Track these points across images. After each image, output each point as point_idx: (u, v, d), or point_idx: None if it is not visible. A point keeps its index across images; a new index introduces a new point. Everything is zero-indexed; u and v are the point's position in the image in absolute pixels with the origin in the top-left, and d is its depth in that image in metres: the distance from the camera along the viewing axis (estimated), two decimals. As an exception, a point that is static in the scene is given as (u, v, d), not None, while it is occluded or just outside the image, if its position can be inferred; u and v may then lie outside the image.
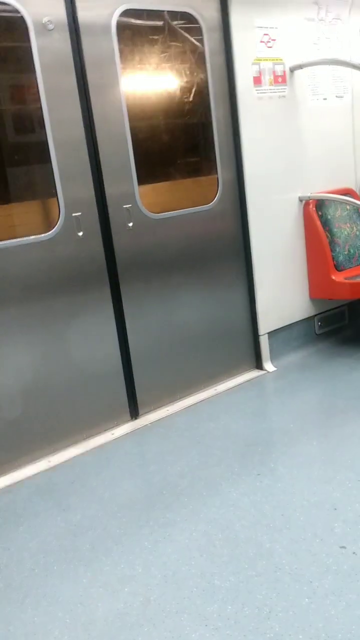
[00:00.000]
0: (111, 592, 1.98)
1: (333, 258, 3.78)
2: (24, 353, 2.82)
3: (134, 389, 3.23)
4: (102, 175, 2.93)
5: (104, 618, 1.88)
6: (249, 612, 1.83)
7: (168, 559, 2.11)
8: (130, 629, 1.82)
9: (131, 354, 3.18)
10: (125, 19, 2.91)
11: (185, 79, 3.22)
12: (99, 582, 2.04)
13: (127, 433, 3.12)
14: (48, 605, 1.96)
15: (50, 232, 2.83)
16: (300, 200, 3.76)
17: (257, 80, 3.42)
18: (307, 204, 3.77)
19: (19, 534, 2.36)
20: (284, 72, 3.54)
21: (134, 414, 3.25)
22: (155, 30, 3.06)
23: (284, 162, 3.64)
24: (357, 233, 3.94)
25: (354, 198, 3.79)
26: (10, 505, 2.57)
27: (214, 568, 2.04)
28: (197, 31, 3.19)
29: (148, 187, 3.16)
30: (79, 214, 2.90)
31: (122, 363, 3.16)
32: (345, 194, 3.78)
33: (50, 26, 2.66)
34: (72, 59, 2.76)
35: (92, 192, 2.92)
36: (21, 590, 2.05)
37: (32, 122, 2.77)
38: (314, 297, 3.93)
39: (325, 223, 3.79)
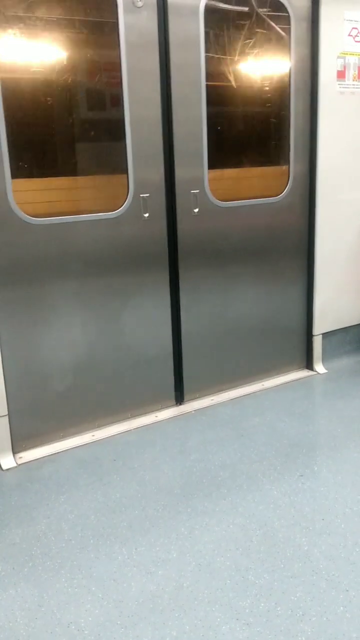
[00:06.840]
0: (145, 573, 1.99)
1: None
2: (79, 328, 2.84)
3: (182, 375, 3.23)
4: (173, 158, 2.91)
5: (135, 598, 1.89)
6: (282, 612, 1.81)
7: (204, 547, 2.11)
8: (161, 612, 1.82)
9: (182, 340, 3.17)
10: (213, 2, 2.87)
11: (267, 67, 3.15)
12: (133, 561, 2.05)
13: (171, 417, 3.13)
14: (82, 578, 1.98)
15: (117, 210, 2.83)
16: (371, 201, 3.66)
17: (341, 75, 3.32)
18: (377, 206, 3.66)
19: (60, 504, 2.40)
20: (370, 68, 3.43)
21: (179, 399, 3.25)
22: (242, 15, 3.01)
23: (360, 161, 3.55)
24: None
25: None
26: (53, 475, 2.62)
27: (250, 563, 2.02)
28: (284, 20, 3.12)
29: (217, 173, 3.12)
30: (147, 195, 2.89)
31: (173, 348, 3.16)
32: None
33: (140, 3, 2.65)
34: (157, 38, 2.74)
35: (162, 174, 2.91)
36: (57, 560, 2.08)
37: (110, 99, 2.77)
38: (373, 303, 3.83)
39: (395, 228, 3.67)
